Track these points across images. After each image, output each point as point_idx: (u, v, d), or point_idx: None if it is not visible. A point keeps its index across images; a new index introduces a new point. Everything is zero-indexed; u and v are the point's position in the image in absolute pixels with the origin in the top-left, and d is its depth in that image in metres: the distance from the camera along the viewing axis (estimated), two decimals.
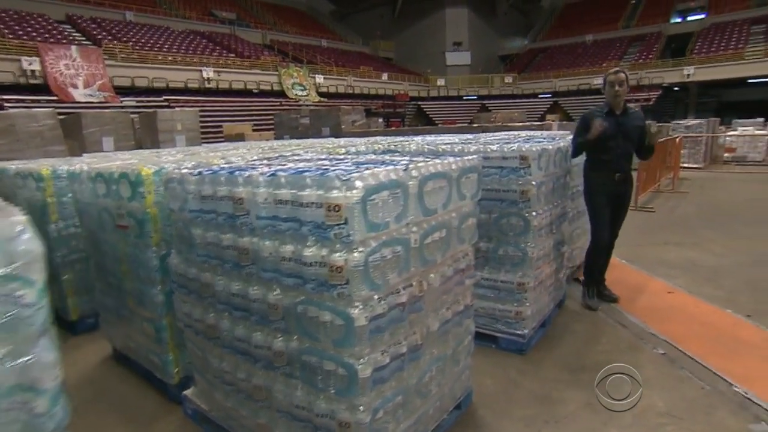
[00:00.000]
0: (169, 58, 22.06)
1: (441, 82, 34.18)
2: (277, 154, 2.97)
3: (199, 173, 1.98)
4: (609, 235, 3.53)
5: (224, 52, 26.29)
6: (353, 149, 3.49)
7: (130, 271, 2.73)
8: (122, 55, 20.47)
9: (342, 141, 5.49)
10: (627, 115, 3.38)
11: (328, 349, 1.62)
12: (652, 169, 8.81)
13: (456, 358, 2.14)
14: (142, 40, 23.55)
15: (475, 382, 2.50)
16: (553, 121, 11.40)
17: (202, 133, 18.29)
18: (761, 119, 15.84)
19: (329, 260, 1.51)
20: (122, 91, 19.54)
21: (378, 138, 6.63)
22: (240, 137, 14.55)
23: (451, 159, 1.92)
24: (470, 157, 2.02)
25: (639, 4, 36.29)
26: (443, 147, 2.98)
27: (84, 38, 21.71)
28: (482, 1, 36.90)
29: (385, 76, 31.47)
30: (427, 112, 31.00)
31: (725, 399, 2.40)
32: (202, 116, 19.69)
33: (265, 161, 2.29)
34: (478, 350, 3.03)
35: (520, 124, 11.52)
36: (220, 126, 17.48)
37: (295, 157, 2.37)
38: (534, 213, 2.76)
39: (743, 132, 13.99)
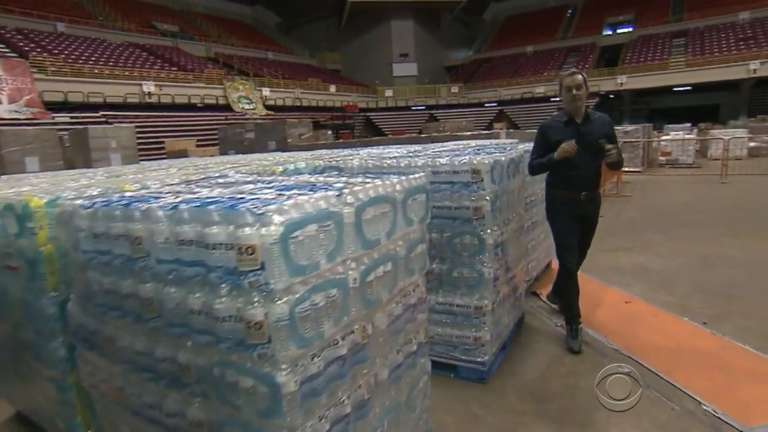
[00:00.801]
0: (106, 72, 20.84)
1: (389, 92, 34.39)
2: (204, 176, 2.63)
3: (92, 205, 1.63)
4: (576, 261, 3.09)
5: (166, 65, 25.18)
6: (292, 166, 3.18)
7: (24, 321, 2.28)
8: (53, 69, 19.10)
9: (285, 156, 5.16)
10: (590, 123, 2.93)
11: (252, 421, 1.31)
12: None
13: (411, 404, 1.87)
14: (76, 53, 22.13)
15: (434, 421, 2.24)
16: (501, 129, 11.54)
17: (144, 150, 17.39)
18: (689, 125, 16.87)
19: (245, 314, 1.21)
20: (54, 106, 18.16)
21: (324, 152, 6.32)
22: (183, 153, 13.81)
23: (395, 179, 1.66)
24: (417, 176, 1.78)
25: (573, 17, 38.23)
26: (388, 162, 2.74)
27: (8, 50, 20.08)
28: (426, 14, 37.58)
29: (333, 88, 31.27)
30: (377, 123, 31.02)
31: (696, 420, 2.27)
32: (143, 132, 18.73)
33: (182, 186, 1.96)
34: (436, 381, 2.77)
35: (469, 133, 11.59)
36: (163, 142, 16.60)
37: (220, 180, 2.05)
38: (489, 230, 2.56)
39: (675, 136, 14.79)
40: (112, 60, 22.85)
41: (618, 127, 14.32)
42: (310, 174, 2.24)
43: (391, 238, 1.60)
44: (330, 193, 1.36)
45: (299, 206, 1.24)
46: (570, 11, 38.95)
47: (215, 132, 16.30)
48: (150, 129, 19.39)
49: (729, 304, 3.65)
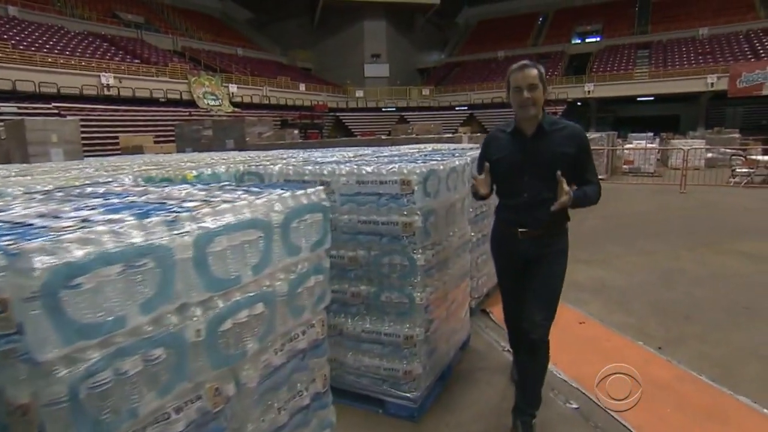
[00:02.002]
0: (61, 61, 19.66)
1: (360, 93, 34.02)
2: (90, 182, 2.23)
3: None
4: (518, 318, 2.24)
5: (128, 57, 24.07)
6: (209, 171, 2.78)
7: None
8: (0, 55, 17.86)
9: (216, 157, 4.72)
10: (545, 137, 2.07)
11: None
12: None
13: None
14: (29, 40, 20.85)
15: None
16: (464, 133, 11.35)
17: (99, 145, 16.50)
18: (651, 134, 17.16)
19: (8, 398, 0.83)
20: (0, 95, 16.98)
21: (275, 152, 5.94)
22: (138, 150, 13.12)
23: (275, 195, 1.30)
24: (310, 191, 1.42)
25: (544, 25, 38.82)
26: (311, 168, 2.37)
27: None
28: (400, 16, 37.39)
29: (302, 87, 30.67)
30: (346, 124, 30.60)
31: None
32: (99, 127, 17.79)
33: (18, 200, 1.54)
34: (362, 417, 2.44)
35: (433, 136, 11.34)
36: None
37: (76, 192, 1.64)
38: (420, 250, 2.23)
39: (637, 145, 14.96)
40: (69, 49, 21.64)
41: None
42: (214, 184, 1.85)
43: (262, 273, 1.24)
44: (155, 219, 0.99)
45: (88, 241, 0.86)
46: (541, 19, 39.53)
47: None
48: (107, 123, 18.45)
49: (686, 325, 3.44)
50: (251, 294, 1.21)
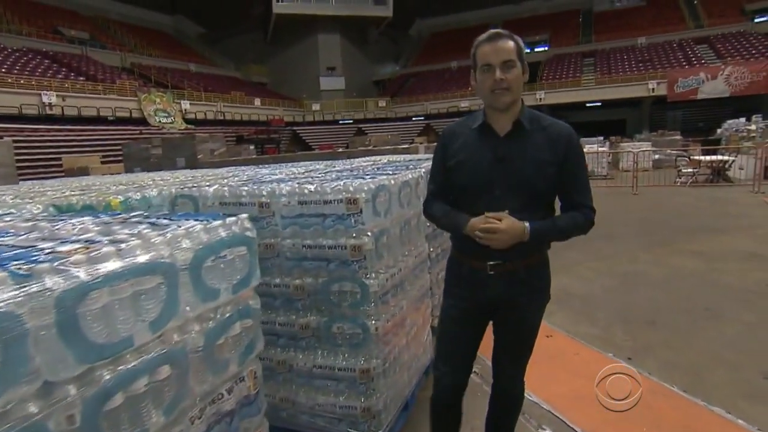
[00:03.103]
0: None
1: (316, 106, 33.83)
2: None
3: None
4: (455, 378, 1.77)
5: (72, 74, 22.89)
6: (138, 195, 2.48)
7: None
8: None
9: (157, 178, 4.38)
10: (524, 138, 1.56)
11: None
12: None
13: None
14: None
15: None
16: (420, 143, 11.32)
17: (41, 167, 15.46)
18: (602, 138, 17.77)
19: None
20: None
21: (223, 170, 5.63)
22: (84, 171, 12.36)
23: (182, 230, 1.06)
24: (230, 221, 1.19)
25: None
26: (248, 189, 2.13)
27: None
28: (353, 28, 37.55)
29: (257, 102, 30.15)
30: (304, 138, 30.27)
31: None
32: (41, 148, 16.68)
33: None
34: None
35: (389, 147, 11.22)
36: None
37: None
38: (373, 275, 2.02)
39: (589, 150, 15.41)
40: (6, 66, 20.36)
41: None
42: (124, 215, 1.58)
43: (166, 327, 1.00)
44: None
45: None
46: (490, 29, 40.61)
47: None
48: (50, 144, 17.38)
49: (652, 332, 3.39)
50: (151, 356, 0.96)
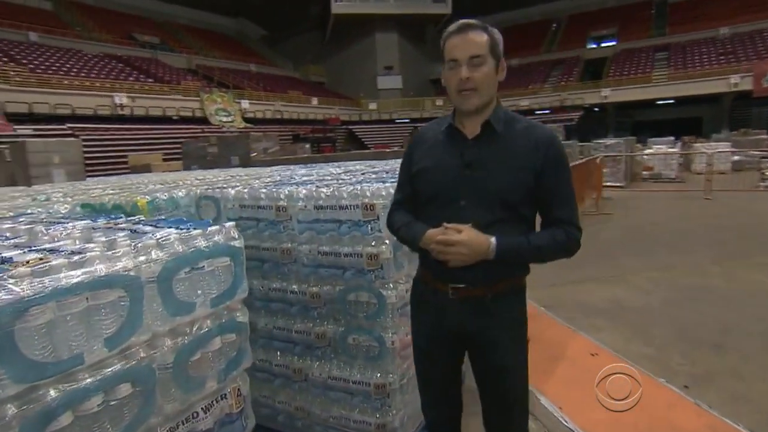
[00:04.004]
0: (76, 83, 20.09)
1: (373, 105, 33.99)
2: (11, 213, 1.97)
3: None
4: (438, 412, 1.61)
5: (142, 76, 24.48)
6: (165, 196, 2.50)
7: None
8: (18, 79, 18.31)
9: (203, 175, 4.48)
10: (495, 141, 1.36)
11: None
12: (577, 190, 8.43)
13: None
14: (46, 63, 21.39)
15: None
16: None
17: (112, 164, 16.64)
18: (672, 138, 16.51)
19: None
20: (17, 118, 17.37)
21: (270, 169, 5.73)
22: (146, 168, 13.14)
23: (152, 240, 0.99)
24: (212, 229, 1.12)
25: (558, 31, 38.34)
26: (266, 192, 2.07)
27: None
28: (411, 27, 37.38)
29: (315, 101, 30.74)
30: (359, 137, 30.48)
31: None
32: (112, 146, 17.98)
33: None
34: None
35: None
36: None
37: None
38: (391, 285, 1.90)
39: (657, 150, 14.36)
40: (85, 71, 22.12)
41: (600, 140, 13.86)
42: (121, 218, 1.56)
43: (126, 343, 0.93)
44: None
45: None
46: (555, 25, 39.04)
47: None
48: (119, 142, 18.64)
49: (716, 357, 3.01)
50: (108, 373, 0.90)
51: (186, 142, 12.81)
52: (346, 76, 37.47)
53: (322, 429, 2.13)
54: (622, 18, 35.22)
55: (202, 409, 1.11)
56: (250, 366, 2.29)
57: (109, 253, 0.91)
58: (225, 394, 1.17)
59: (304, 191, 1.97)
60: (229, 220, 2.23)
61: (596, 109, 30.46)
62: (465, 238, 1.25)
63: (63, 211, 2.02)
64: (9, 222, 1.45)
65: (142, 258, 0.95)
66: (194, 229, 1.09)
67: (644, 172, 13.98)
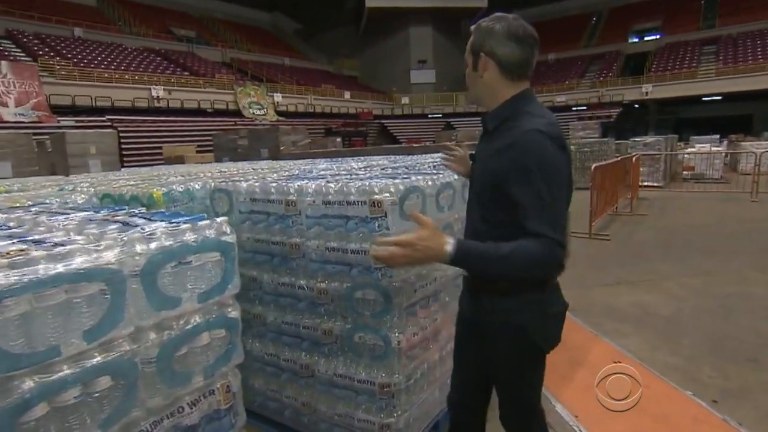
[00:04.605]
0: (116, 76, 20.83)
1: (405, 100, 33.81)
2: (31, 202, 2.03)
3: None
4: (457, 396, 1.69)
5: (178, 70, 25.17)
6: (181, 188, 2.53)
7: None
8: (62, 72, 19.17)
9: (228, 168, 4.54)
10: (489, 140, 1.40)
11: None
12: (610, 189, 8.16)
13: None
14: (89, 57, 22.28)
15: None
16: None
17: (148, 154, 17.22)
18: (717, 136, 15.70)
19: None
20: (61, 110, 18.20)
21: (294, 162, 5.79)
22: (179, 160, 13.50)
23: (137, 234, 0.98)
24: (202, 224, 1.10)
25: (598, 25, 37.06)
26: (276, 186, 2.06)
27: (24, 54, 20.32)
28: (446, 21, 36.91)
29: (347, 95, 30.83)
30: (391, 131, 30.41)
31: None
32: (148, 137, 18.60)
33: None
34: None
35: (473, 143, 10.78)
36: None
37: None
38: (397, 284, 1.85)
39: (700, 149, 13.69)
40: (125, 64, 22.91)
41: (637, 139, 13.30)
42: (118, 209, 1.57)
43: (106, 337, 0.92)
44: None
45: None
46: (595, 18, 37.75)
47: None
48: (155, 134, 19.24)
49: (751, 371, 2.83)
50: (86, 366, 0.89)
51: (216, 134, 13.07)
52: (379, 70, 37.41)
53: (327, 426, 2.11)
54: (667, 10, 33.67)
55: (188, 404, 1.10)
56: (260, 359, 2.33)
57: (91, 246, 0.91)
58: (213, 390, 1.16)
59: (313, 186, 1.95)
60: (241, 213, 2.26)
61: (636, 105, 29.33)
62: (411, 239, 1.23)
63: (80, 202, 2.07)
64: (20, 211, 1.48)
65: (125, 251, 0.94)
66: (184, 223, 1.08)
67: (685, 172, 13.37)
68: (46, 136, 10.10)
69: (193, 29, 32.04)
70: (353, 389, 1.99)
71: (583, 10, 38.43)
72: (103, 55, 23.12)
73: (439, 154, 2.11)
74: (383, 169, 3.00)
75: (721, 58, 27.90)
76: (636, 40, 34.61)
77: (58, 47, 22.06)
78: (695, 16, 32.74)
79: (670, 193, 11.29)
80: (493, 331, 1.41)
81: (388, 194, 1.77)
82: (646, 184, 11.64)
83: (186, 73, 24.76)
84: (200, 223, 1.12)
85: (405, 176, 2.03)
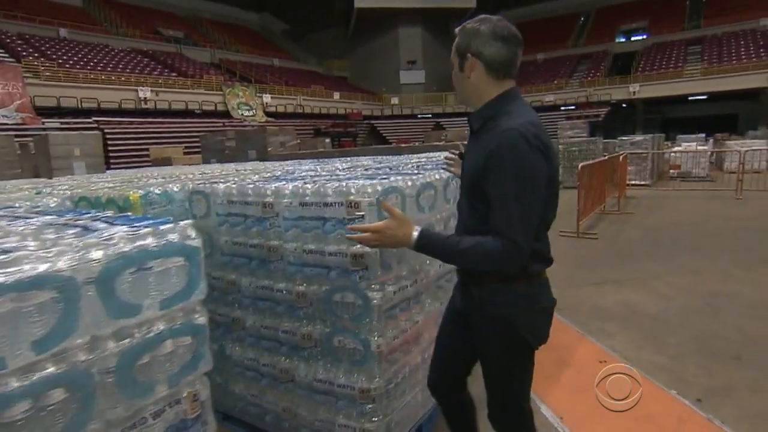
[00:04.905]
0: (102, 77, 20.57)
1: (395, 100, 33.82)
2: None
3: None
4: (434, 379, 1.75)
5: (166, 71, 24.92)
6: (157, 190, 2.47)
7: None
8: (47, 74, 18.87)
9: (211, 169, 4.49)
10: (475, 139, 1.43)
11: None
12: (597, 188, 8.20)
13: None
14: (75, 58, 22.00)
15: None
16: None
17: (136, 156, 17.02)
18: (703, 135, 15.88)
19: None
20: (46, 111, 17.94)
21: (282, 163, 5.76)
22: (167, 162, 13.35)
23: (94, 239, 0.94)
24: (164, 228, 1.06)
25: (586, 25, 37.36)
26: (253, 188, 2.02)
27: (7, 55, 19.99)
28: (435, 21, 36.97)
29: (337, 95, 30.75)
30: (381, 131, 30.39)
31: None
32: (135, 138, 18.38)
33: None
34: None
35: (461, 143, 10.79)
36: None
37: None
38: (376, 287, 1.82)
39: (687, 148, 13.84)
40: (111, 65, 22.63)
41: (624, 138, 13.40)
42: (84, 213, 1.53)
43: (58, 347, 0.87)
44: None
45: None
46: (582, 18, 38.05)
47: None
48: (143, 135, 19.03)
49: (735, 370, 2.83)
50: (36, 378, 0.85)
51: (204, 136, 12.97)
52: (369, 70, 37.37)
53: (308, 431, 2.07)
54: (653, 11, 34.05)
55: (151, 414, 1.05)
56: (240, 364, 2.28)
57: (42, 252, 0.86)
58: (179, 399, 1.12)
59: (290, 187, 1.91)
60: (219, 215, 2.21)
61: (624, 105, 29.60)
62: (380, 226, 1.38)
63: (52, 205, 2.01)
64: None
65: (80, 257, 0.90)
66: (145, 227, 1.03)
67: (672, 171, 13.50)
68: (30, 139, 9.93)
69: (181, 30, 31.75)
70: (333, 394, 1.95)
71: (570, 10, 38.71)
72: (89, 56, 22.83)
73: (444, 154, 2.11)
74: (366, 169, 2.97)
75: (706, 58, 28.26)
76: (623, 40, 34.95)
77: (43, 48, 21.73)
78: (680, 17, 33.16)
79: (657, 191, 11.39)
80: (482, 324, 1.46)
81: (365, 195, 1.74)
82: (633, 182, 11.72)
83: (174, 74, 24.53)
84: (162, 227, 1.07)
85: (385, 177, 2.00)
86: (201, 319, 1.17)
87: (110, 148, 17.53)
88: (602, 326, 3.54)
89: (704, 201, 9.55)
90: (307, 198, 1.84)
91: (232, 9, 37.12)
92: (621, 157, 9.70)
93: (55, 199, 2.07)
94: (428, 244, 1.36)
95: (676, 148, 14.25)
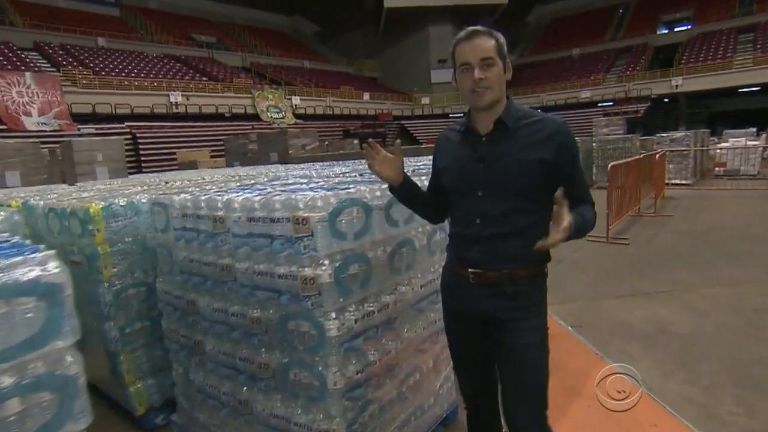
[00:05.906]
0: (135, 83, 21.19)
1: (425, 100, 33.41)
2: None
3: None
4: (473, 388, 1.69)
5: (197, 75, 25.46)
6: (122, 201, 2.31)
7: (84, 307, 1.84)
8: (84, 81, 19.60)
9: (210, 175, 4.36)
10: (508, 136, 1.44)
11: None
12: (631, 189, 7.66)
13: None
14: (111, 66, 22.76)
15: None
16: None
17: (165, 159, 17.42)
18: (753, 129, 14.78)
19: None
20: (82, 118, 18.62)
21: (291, 166, 5.64)
22: (192, 165, 13.56)
23: None
24: (17, 260, 0.85)
25: (625, 17, 35.80)
26: (205, 199, 1.82)
27: (49, 65, 20.93)
28: (466, 18, 36.19)
29: (366, 96, 30.62)
30: (411, 132, 30.04)
31: None
32: (166, 142, 18.82)
33: None
34: None
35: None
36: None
37: None
38: (333, 314, 1.57)
39: (734, 143, 12.88)
40: (144, 72, 23.29)
41: (663, 134, 12.58)
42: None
43: None
44: None
45: None
46: (621, 10, 36.47)
47: None
48: (174, 139, 19.46)
49: None
50: None
51: (227, 139, 13.05)
52: (399, 70, 37.11)
53: None
54: None
55: None
56: (203, 390, 2.09)
57: None
58: None
59: (239, 200, 1.69)
60: (176, 230, 2.03)
61: (666, 99, 28.10)
62: (561, 237, 1.32)
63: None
64: None
65: None
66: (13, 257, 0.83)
67: (717, 169, 12.59)
68: (57, 145, 10.22)
69: (213, 35, 32.45)
70: None
71: (608, 2, 37.18)
72: (125, 64, 23.57)
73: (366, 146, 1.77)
74: (362, 174, 2.76)
75: (759, 46, 26.36)
76: (665, 31, 33.21)
77: (82, 57, 22.60)
78: (731, 2, 31.12)
79: (699, 191, 10.62)
80: (522, 318, 1.47)
81: (315, 210, 1.50)
82: (673, 182, 11.00)
83: (205, 79, 25.02)
84: (9, 260, 0.87)
85: (347, 186, 1.75)
86: (71, 368, 0.96)
87: (142, 152, 18.01)
88: (625, 347, 3.17)
89: (752, 201, 8.79)
90: (256, 212, 1.62)
91: (264, 13, 37.66)
92: (657, 156, 9.06)
93: (2, 214, 1.92)
94: (577, 230, 1.35)
95: (723, 144, 13.29)
